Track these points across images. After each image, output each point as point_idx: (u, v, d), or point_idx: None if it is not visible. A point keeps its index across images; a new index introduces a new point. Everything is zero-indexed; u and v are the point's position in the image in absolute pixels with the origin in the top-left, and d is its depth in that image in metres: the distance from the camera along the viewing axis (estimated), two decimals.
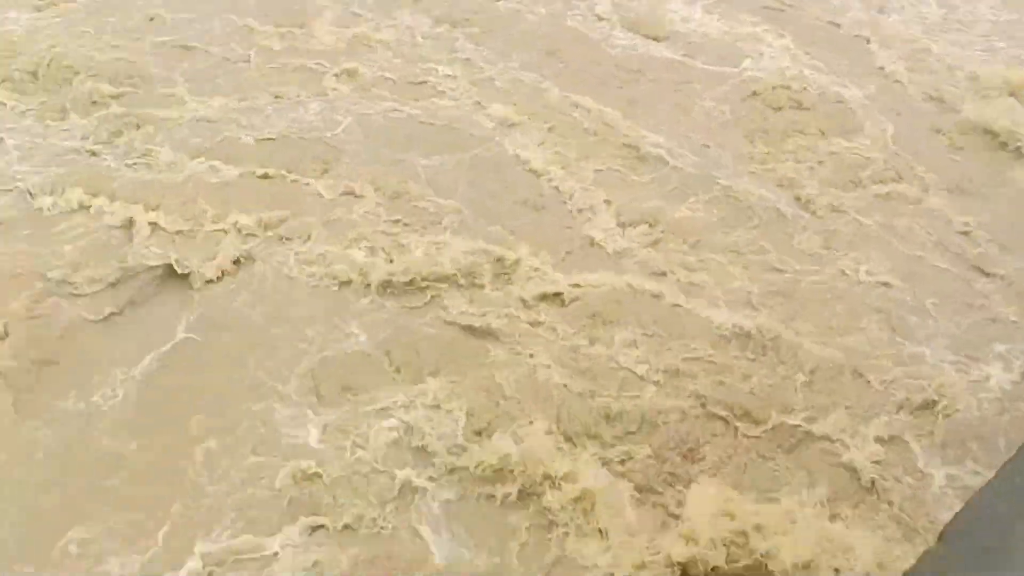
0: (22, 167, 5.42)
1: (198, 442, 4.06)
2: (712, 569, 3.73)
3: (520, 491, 3.94)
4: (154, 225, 5.08)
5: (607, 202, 5.75)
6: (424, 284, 4.93)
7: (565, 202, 5.73)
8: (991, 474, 3.86)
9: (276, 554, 3.66)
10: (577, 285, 5.09)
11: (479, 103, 6.49)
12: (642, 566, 3.74)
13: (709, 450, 4.34)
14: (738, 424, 4.45)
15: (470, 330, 4.74)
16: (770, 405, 4.51)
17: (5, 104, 5.90)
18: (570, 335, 4.79)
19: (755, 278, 5.30)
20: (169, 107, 6.07)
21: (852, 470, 4.28)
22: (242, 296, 4.80)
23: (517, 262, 5.16)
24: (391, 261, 5.02)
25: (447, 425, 4.19)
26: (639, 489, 4.10)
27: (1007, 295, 5.31)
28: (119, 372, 4.36)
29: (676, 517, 3.94)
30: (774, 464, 4.32)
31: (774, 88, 7.00)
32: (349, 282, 4.92)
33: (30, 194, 5.19)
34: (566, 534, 3.82)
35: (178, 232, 5.08)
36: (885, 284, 5.33)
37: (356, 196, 5.52)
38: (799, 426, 4.44)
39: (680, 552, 3.66)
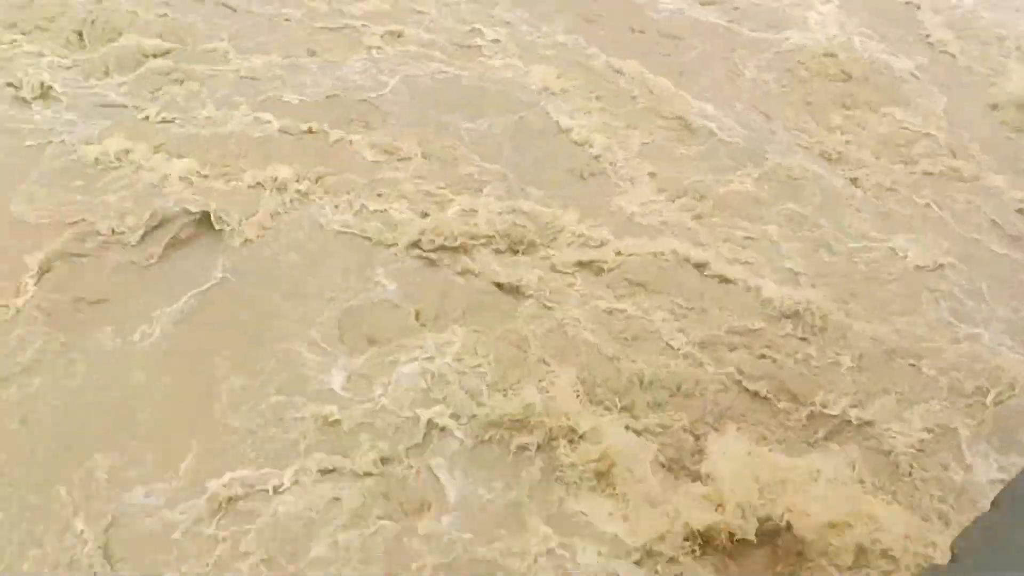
0: (69, 116, 5.52)
1: (224, 380, 4.11)
2: (736, 540, 3.60)
3: (540, 444, 3.88)
4: (196, 173, 5.12)
5: (651, 174, 5.61)
6: (460, 243, 4.87)
7: (610, 172, 5.61)
8: None
9: (292, 485, 3.69)
10: (619, 253, 4.97)
11: (523, 68, 6.40)
12: (661, 538, 3.63)
13: (745, 427, 4.20)
14: (779, 404, 4.30)
15: (502, 287, 4.68)
16: (816, 386, 4.34)
17: (52, 59, 5.99)
18: (608, 299, 4.68)
19: (805, 255, 5.12)
20: (214, 63, 6.10)
21: (892, 456, 4.09)
22: (279, 242, 4.83)
23: (559, 228, 5.07)
24: (426, 217, 4.98)
25: (472, 376, 4.14)
26: (667, 460, 3.99)
27: None
28: (156, 311, 4.43)
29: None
30: (811, 448, 4.16)
31: (823, 56, 6.78)
32: (385, 238, 4.89)
33: (75, 145, 5.30)
34: (579, 489, 3.75)
35: (219, 179, 5.11)
36: (940, 266, 5.09)
37: (400, 157, 5.51)
38: (843, 411, 4.27)
39: (700, 519, 3.53)
